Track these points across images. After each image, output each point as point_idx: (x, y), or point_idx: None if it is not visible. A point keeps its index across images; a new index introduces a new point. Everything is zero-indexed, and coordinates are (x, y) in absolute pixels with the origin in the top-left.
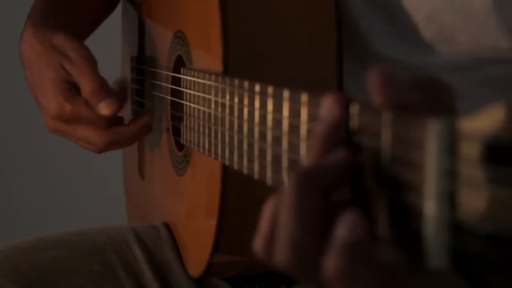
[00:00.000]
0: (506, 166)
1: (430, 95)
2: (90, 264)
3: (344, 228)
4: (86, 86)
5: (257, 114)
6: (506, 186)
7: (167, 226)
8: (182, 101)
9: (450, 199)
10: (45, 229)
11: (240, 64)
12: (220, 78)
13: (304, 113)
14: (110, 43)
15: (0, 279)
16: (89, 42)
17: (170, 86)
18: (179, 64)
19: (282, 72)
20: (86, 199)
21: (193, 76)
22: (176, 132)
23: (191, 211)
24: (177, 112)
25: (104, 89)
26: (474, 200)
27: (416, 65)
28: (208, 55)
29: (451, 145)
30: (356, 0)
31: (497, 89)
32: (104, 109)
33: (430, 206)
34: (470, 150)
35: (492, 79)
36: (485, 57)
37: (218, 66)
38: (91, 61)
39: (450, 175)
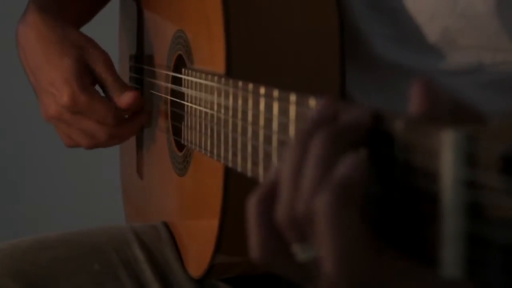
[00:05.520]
0: None
1: (460, 117)
2: (91, 264)
3: (344, 167)
4: (110, 79)
5: (262, 117)
6: None
7: (167, 226)
8: (183, 102)
9: (466, 208)
10: (45, 229)
11: (243, 65)
12: (223, 80)
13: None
14: (107, 40)
15: (1, 278)
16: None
17: (170, 86)
18: (180, 64)
19: (285, 73)
20: (86, 199)
21: (195, 77)
22: (176, 132)
23: (192, 211)
24: (177, 112)
25: (124, 84)
26: (490, 211)
27: (418, 68)
28: (210, 55)
29: (467, 155)
30: (357, 4)
31: (500, 91)
32: (127, 98)
33: (446, 216)
34: (487, 161)
35: (495, 81)
36: (488, 60)
37: (220, 67)
38: (110, 60)
39: (466, 185)
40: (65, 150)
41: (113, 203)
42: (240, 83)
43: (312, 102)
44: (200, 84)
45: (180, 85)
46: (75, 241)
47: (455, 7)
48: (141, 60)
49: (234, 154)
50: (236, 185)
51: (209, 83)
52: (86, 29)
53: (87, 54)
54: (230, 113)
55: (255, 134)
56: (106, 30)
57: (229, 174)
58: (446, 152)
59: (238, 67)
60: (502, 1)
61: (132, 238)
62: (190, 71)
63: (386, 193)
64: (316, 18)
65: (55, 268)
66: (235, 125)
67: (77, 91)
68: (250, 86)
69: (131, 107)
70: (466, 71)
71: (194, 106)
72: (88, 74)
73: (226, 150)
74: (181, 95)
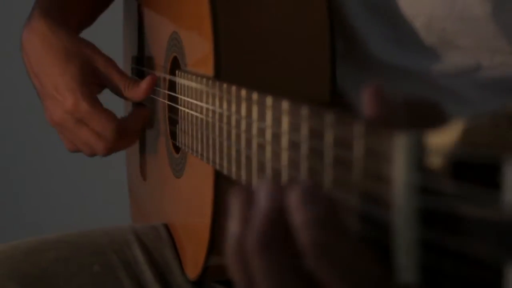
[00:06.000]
0: (471, 182)
1: (417, 112)
2: (91, 265)
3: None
4: (120, 79)
5: (243, 121)
6: (471, 203)
7: (167, 227)
8: (176, 105)
9: (419, 214)
10: (46, 230)
11: (231, 67)
12: (210, 82)
13: (285, 122)
14: (112, 42)
15: (1, 279)
16: (91, 40)
17: (166, 91)
18: (175, 65)
19: (273, 75)
20: (87, 199)
21: (186, 79)
22: (173, 134)
23: (187, 213)
24: (173, 115)
25: (134, 78)
26: (443, 217)
27: (416, 70)
28: (200, 57)
29: (418, 160)
30: (355, 6)
31: (499, 92)
32: (144, 85)
33: (398, 222)
34: (437, 165)
35: (493, 82)
36: (486, 61)
37: (209, 69)
38: (116, 64)
39: (418, 190)
40: (68, 151)
41: (114, 204)
42: (224, 86)
43: (285, 104)
44: (191, 87)
45: (175, 86)
46: (76, 242)
47: (452, 10)
48: (142, 62)
49: (221, 158)
50: (227, 187)
51: (198, 86)
52: (91, 31)
53: (93, 60)
54: (217, 116)
55: (238, 138)
56: (111, 31)
57: (220, 176)
58: (398, 157)
59: (226, 69)
60: (498, 5)
61: (132, 239)
62: (182, 73)
63: (349, 199)
64: (304, 18)
65: (55, 269)
66: (221, 130)
67: (80, 98)
68: (233, 89)
69: (149, 93)
70: (464, 72)
71: (185, 109)
72: (92, 83)
73: (214, 154)
74: (176, 98)
